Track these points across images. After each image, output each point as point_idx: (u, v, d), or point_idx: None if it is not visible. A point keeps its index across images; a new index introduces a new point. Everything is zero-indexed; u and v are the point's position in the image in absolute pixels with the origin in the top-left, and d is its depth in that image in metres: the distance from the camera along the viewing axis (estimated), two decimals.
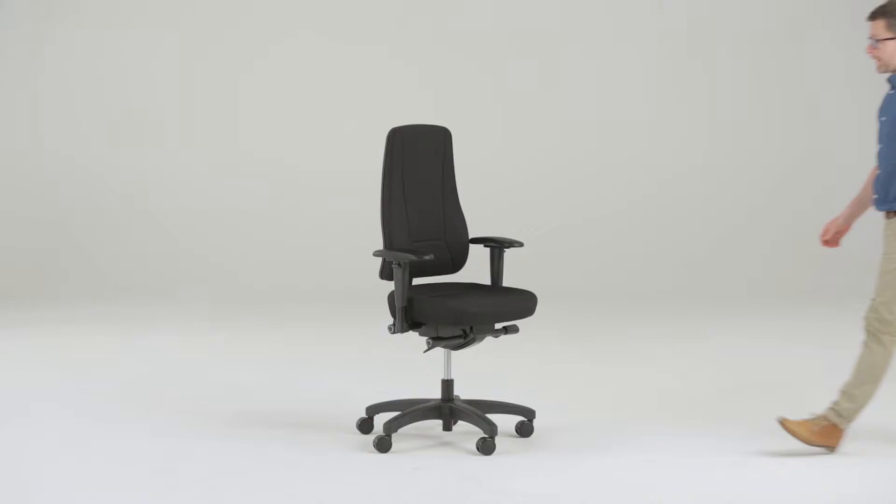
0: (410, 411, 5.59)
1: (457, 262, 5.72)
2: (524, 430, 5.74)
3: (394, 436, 5.49)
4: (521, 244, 5.77)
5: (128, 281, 9.82)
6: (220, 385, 6.78)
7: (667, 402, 6.43)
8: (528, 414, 5.73)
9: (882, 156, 5.48)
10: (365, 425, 5.75)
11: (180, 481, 5.09)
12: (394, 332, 5.53)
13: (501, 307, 5.53)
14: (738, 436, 5.75)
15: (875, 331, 5.41)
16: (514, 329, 5.57)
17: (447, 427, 5.69)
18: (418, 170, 5.64)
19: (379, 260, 5.59)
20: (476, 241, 5.82)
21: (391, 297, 5.54)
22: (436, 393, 5.73)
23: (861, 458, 5.44)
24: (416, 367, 6.60)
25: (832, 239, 5.62)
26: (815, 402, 6.39)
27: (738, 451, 5.50)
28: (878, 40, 5.46)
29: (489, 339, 5.63)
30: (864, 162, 10.52)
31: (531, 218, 9.81)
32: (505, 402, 5.73)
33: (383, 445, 5.46)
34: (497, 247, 5.80)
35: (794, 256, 10.16)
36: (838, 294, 9.64)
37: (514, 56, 10.33)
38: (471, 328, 5.43)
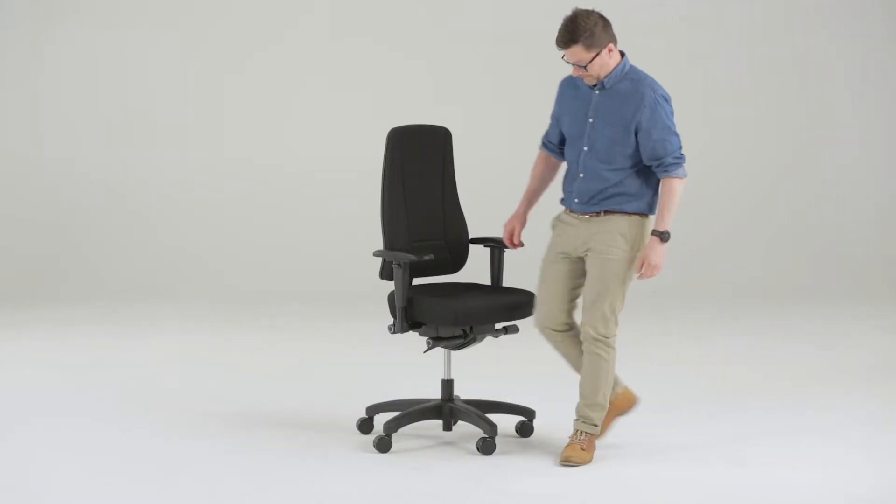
0: (410, 411, 5.59)
1: (457, 262, 5.72)
2: (524, 430, 5.74)
3: (394, 436, 5.49)
4: (521, 244, 5.77)
5: (128, 281, 9.82)
6: (220, 385, 6.78)
7: (666, 401, 6.43)
8: (528, 414, 5.73)
9: (592, 157, 5.31)
10: (365, 425, 5.75)
11: (180, 481, 5.09)
12: (394, 332, 5.53)
13: (501, 307, 5.53)
14: (738, 435, 5.75)
15: (601, 338, 5.33)
16: (514, 329, 5.57)
17: (447, 427, 5.69)
18: (418, 170, 5.64)
19: (379, 260, 5.60)
20: (476, 241, 5.82)
21: (391, 297, 5.54)
22: (436, 393, 5.73)
23: (863, 458, 5.45)
24: (416, 367, 6.60)
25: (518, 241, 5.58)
26: (814, 401, 6.40)
27: (738, 451, 5.50)
28: (584, 65, 5.24)
29: (489, 339, 5.63)
30: (862, 161, 10.55)
31: (532, 217, 9.80)
32: (505, 402, 5.73)
33: (383, 445, 5.46)
34: (497, 247, 5.80)
35: (792, 255, 10.16)
36: (838, 294, 9.64)
37: (515, 56, 10.32)
38: (471, 328, 5.44)
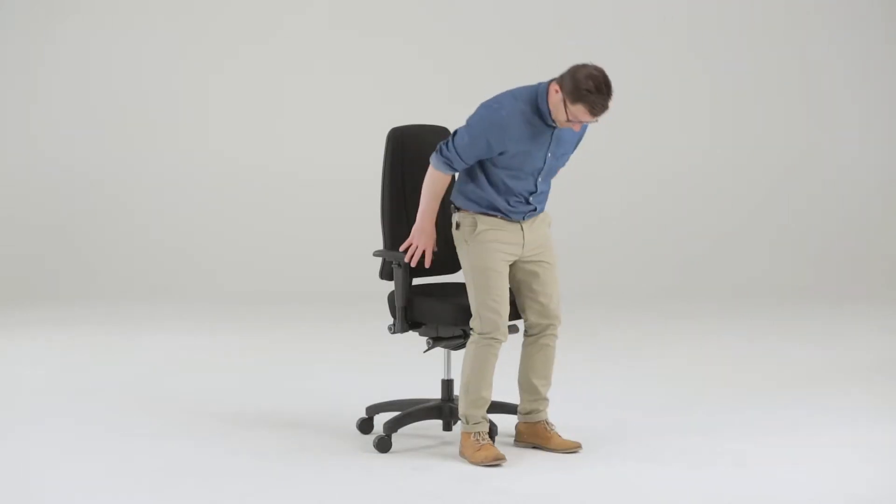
0: (410, 411, 5.59)
1: (457, 262, 5.71)
2: None
3: (394, 436, 5.49)
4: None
5: (127, 282, 9.82)
6: (219, 385, 6.78)
7: (666, 401, 6.43)
8: None
9: (546, 184, 5.39)
10: (365, 425, 5.75)
11: (180, 481, 5.09)
12: (393, 332, 5.53)
13: None
14: (738, 435, 5.75)
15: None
16: (514, 329, 5.56)
17: (447, 427, 5.69)
18: (418, 169, 5.63)
19: (379, 260, 5.60)
20: None
21: (391, 297, 5.54)
22: (436, 393, 5.73)
23: (864, 458, 5.44)
24: (416, 367, 6.60)
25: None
26: (814, 401, 6.40)
27: (739, 451, 5.50)
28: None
29: None
30: (863, 162, 10.55)
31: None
32: (505, 402, 5.73)
33: (383, 445, 5.46)
34: None
35: (794, 256, 10.17)
36: (838, 294, 9.64)
37: (516, 57, 10.32)
38: (471, 328, 5.43)
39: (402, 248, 5.41)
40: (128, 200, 10.25)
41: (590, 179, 10.36)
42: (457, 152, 5.24)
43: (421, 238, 5.38)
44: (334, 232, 10.12)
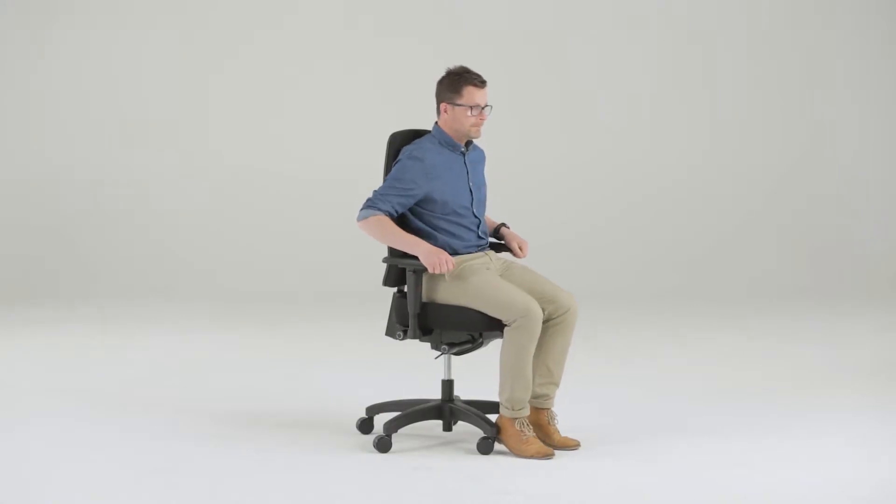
0: (410, 412, 5.59)
1: None
2: None
3: (394, 436, 5.49)
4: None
5: (128, 281, 9.83)
6: (219, 386, 6.78)
7: (667, 402, 6.43)
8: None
9: (480, 216, 5.59)
10: (365, 425, 5.75)
11: (180, 482, 5.09)
12: (402, 339, 5.50)
13: None
14: (739, 436, 5.75)
15: None
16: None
17: (447, 427, 5.69)
18: None
19: (382, 265, 5.58)
20: None
21: (399, 303, 5.49)
22: (436, 393, 5.72)
23: (865, 458, 5.44)
24: (417, 367, 6.61)
25: None
26: (815, 401, 6.40)
27: (739, 451, 5.50)
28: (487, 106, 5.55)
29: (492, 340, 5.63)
30: (863, 163, 10.56)
31: (533, 221, 9.82)
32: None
33: (383, 445, 5.46)
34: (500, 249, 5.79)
35: (794, 256, 10.17)
36: (838, 294, 9.64)
37: (517, 60, 10.32)
38: (480, 333, 5.43)
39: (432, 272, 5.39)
40: (128, 200, 10.26)
41: (590, 180, 10.37)
42: (380, 193, 5.38)
43: (437, 256, 5.34)
44: (334, 232, 10.12)
